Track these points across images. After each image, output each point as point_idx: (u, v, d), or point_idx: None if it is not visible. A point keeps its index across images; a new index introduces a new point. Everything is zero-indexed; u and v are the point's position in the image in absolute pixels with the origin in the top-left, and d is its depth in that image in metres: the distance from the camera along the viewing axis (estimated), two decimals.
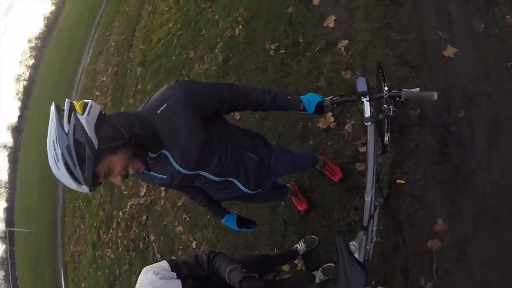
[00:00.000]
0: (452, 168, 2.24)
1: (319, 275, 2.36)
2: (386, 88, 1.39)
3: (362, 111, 1.39)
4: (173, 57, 5.09)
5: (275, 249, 2.71)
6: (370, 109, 1.37)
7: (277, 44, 3.31)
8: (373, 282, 1.27)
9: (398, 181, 2.24)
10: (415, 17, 2.60)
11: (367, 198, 1.49)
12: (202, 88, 1.24)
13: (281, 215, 2.75)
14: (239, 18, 3.96)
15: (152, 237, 4.04)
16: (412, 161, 2.34)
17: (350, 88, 2.64)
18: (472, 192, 2.15)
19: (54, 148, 0.96)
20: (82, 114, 0.99)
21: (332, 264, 2.38)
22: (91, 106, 1.02)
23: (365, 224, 1.52)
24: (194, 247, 3.36)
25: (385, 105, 1.92)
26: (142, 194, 4.58)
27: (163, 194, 4.16)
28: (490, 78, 2.32)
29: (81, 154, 0.97)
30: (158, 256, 3.79)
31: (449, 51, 2.45)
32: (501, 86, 2.27)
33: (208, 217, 3.34)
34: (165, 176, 1.27)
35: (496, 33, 2.36)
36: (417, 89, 1.36)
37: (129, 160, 1.09)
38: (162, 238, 3.87)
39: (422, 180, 2.29)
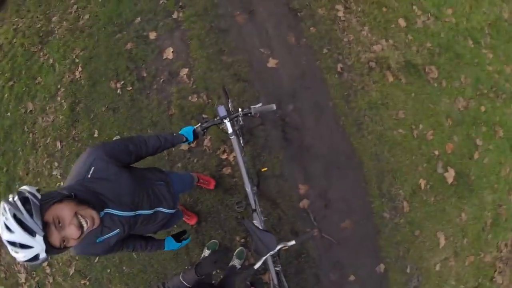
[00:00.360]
0: (295, 146, 2.93)
1: (236, 262, 2.65)
2: (240, 109, 1.82)
3: (225, 129, 1.83)
4: (9, 114, 4.30)
5: (186, 267, 2.86)
6: (231, 126, 1.80)
7: (122, 81, 3.30)
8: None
9: (262, 170, 2.77)
10: (240, 40, 3.08)
11: (248, 189, 1.90)
12: (114, 145, 1.47)
13: None
14: (77, 60, 3.71)
15: None
16: (265, 152, 2.91)
17: (199, 109, 2.99)
18: (315, 157, 2.90)
19: (3, 214, 1.06)
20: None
21: (241, 248, 2.73)
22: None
23: (253, 207, 1.94)
24: None
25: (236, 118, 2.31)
26: (23, 280, 3.80)
27: (48, 271, 3.59)
28: (305, 75, 2.99)
29: (26, 206, 1.06)
30: None
31: (272, 63, 2.98)
32: (315, 79, 2.92)
33: (109, 270, 3.17)
34: (118, 229, 1.42)
35: (305, 42, 3.01)
36: (260, 104, 1.81)
37: (77, 206, 1.14)
38: None
39: (277, 163, 2.88)
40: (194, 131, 1.81)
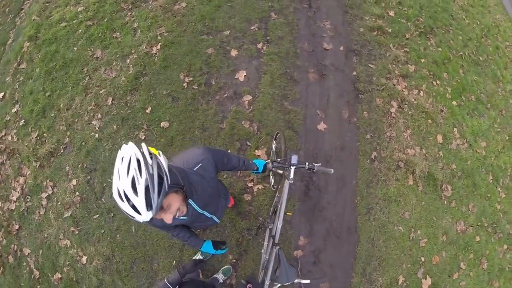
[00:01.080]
0: (311, 203, 3.22)
1: (220, 276, 2.89)
2: (307, 163, 2.04)
3: (287, 173, 2.03)
4: (75, 48, 4.45)
5: (174, 262, 3.06)
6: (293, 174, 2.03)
7: (191, 78, 3.56)
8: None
9: (287, 213, 2.95)
10: (304, 95, 3.41)
11: (279, 225, 2.13)
12: (218, 154, 1.74)
13: None
14: (159, 38, 3.96)
15: (26, 251, 3.55)
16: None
17: (247, 136, 3.28)
18: (323, 219, 3.19)
19: (134, 175, 1.18)
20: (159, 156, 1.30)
21: (229, 266, 2.98)
22: (160, 153, 1.33)
23: (277, 242, 2.13)
24: (85, 262, 3.25)
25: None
26: (14, 198, 3.88)
27: (44, 202, 3.70)
28: (344, 149, 3.28)
29: (159, 186, 1.22)
30: (37, 273, 3.40)
31: (321, 126, 3.30)
32: (350, 156, 3.22)
33: (103, 231, 3.31)
34: (186, 217, 1.64)
35: (355, 121, 3.34)
36: (320, 164, 2.08)
37: (182, 202, 1.42)
38: (41, 252, 3.47)
39: (291, 210, 3.15)
40: (265, 165, 2.03)
